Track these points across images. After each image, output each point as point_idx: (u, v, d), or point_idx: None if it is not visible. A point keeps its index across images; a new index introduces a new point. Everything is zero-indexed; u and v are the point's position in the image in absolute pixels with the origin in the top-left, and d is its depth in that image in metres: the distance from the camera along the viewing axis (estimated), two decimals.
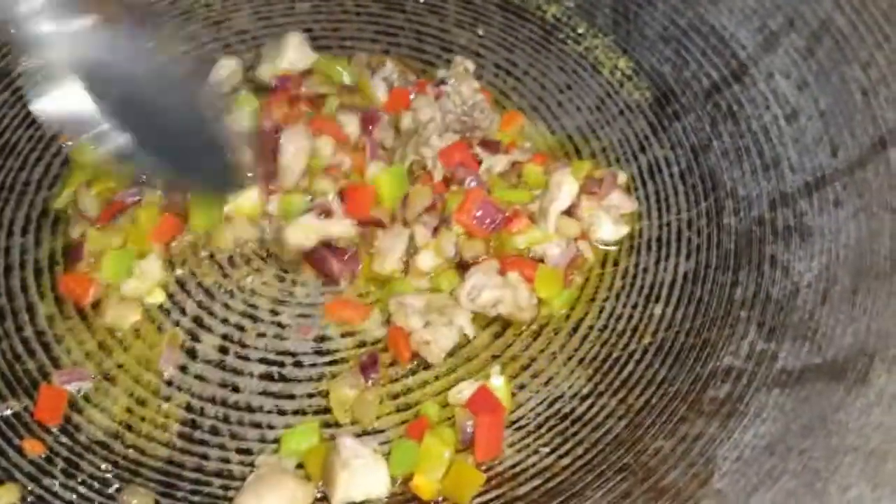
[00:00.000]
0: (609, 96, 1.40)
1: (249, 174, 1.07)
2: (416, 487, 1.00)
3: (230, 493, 1.01)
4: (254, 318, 1.16)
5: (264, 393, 1.10)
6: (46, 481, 1.00)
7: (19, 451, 1.02)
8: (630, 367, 1.11)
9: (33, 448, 1.02)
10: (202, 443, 1.06)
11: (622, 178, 1.29)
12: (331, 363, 1.13)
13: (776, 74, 1.28)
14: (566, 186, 1.23)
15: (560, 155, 1.34)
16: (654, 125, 1.35)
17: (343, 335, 1.15)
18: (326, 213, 1.19)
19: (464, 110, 1.32)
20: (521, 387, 1.11)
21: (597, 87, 1.41)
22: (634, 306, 1.17)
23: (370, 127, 1.29)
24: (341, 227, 1.20)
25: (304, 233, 1.18)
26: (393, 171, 1.24)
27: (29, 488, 0.99)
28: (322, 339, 1.14)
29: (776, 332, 1.07)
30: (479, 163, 1.27)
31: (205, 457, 1.05)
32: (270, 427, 1.07)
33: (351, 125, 1.29)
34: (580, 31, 1.45)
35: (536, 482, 1.01)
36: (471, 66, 1.37)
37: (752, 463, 0.93)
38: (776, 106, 1.27)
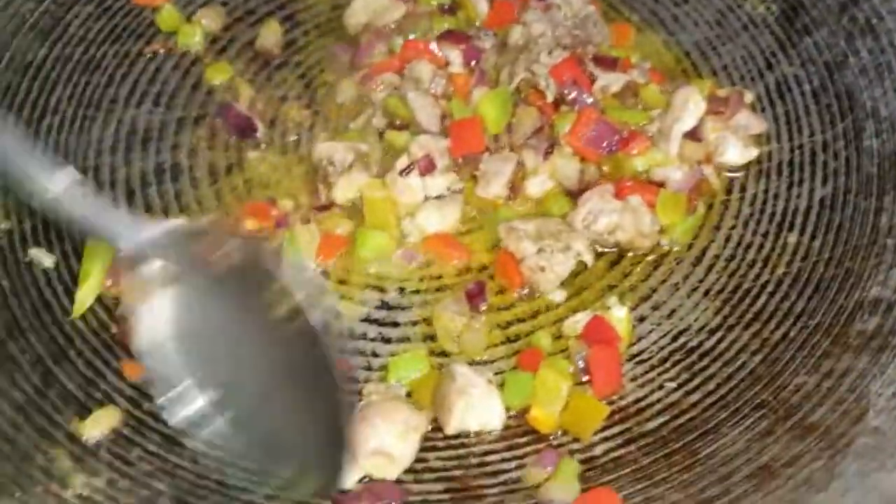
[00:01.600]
0: (731, 10, 1.29)
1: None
2: (533, 420, 0.93)
3: None
4: None
5: (367, 320, 1.03)
6: (147, 405, 0.94)
7: (118, 373, 0.97)
8: (763, 299, 1.02)
9: (132, 371, 0.96)
10: None
11: (749, 97, 1.19)
12: (436, 290, 1.05)
13: None
14: (692, 105, 1.14)
15: (677, 73, 1.23)
16: (781, 41, 1.24)
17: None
18: (427, 167, 1.10)
19: (574, 23, 1.22)
20: (642, 319, 1.03)
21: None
22: (765, 235, 1.08)
23: (474, 60, 1.20)
24: (444, 183, 1.12)
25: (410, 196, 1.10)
26: (498, 93, 1.15)
27: (130, 412, 0.93)
28: (427, 264, 1.07)
29: None
30: (593, 81, 1.17)
31: None
32: (375, 355, 1.00)
33: (453, 56, 1.20)
34: None
35: (664, 418, 0.93)
36: None
37: None
38: None
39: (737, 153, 1.14)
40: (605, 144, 1.12)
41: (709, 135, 1.14)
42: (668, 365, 0.98)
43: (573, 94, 1.14)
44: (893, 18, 1.18)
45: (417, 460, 0.91)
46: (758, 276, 1.04)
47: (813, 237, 1.06)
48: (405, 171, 1.08)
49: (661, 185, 1.11)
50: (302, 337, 0.74)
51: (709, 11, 1.29)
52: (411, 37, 1.22)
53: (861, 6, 1.20)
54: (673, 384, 0.97)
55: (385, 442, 0.87)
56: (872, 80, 1.15)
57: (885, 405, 0.86)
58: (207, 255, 0.80)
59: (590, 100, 1.13)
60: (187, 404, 0.82)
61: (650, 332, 1.01)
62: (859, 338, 0.94)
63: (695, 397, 0.95)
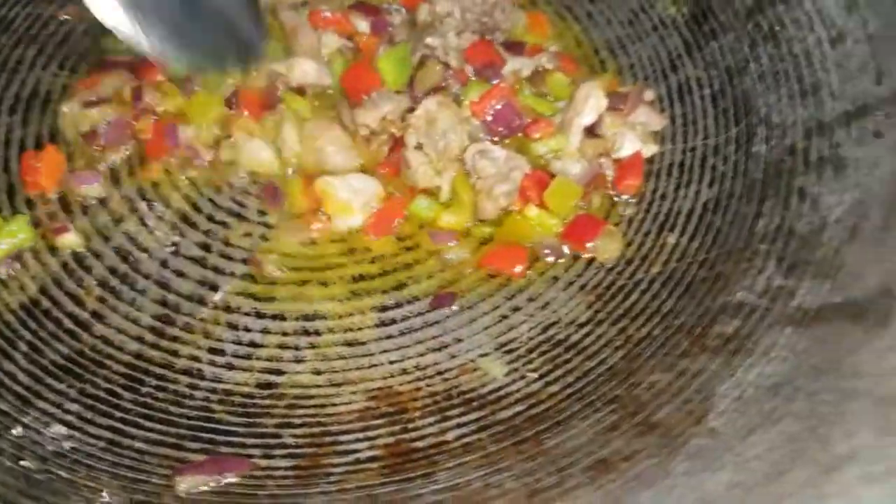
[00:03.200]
0: (643, 10, 1.30)
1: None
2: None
3: (196, 393, 0.96)
4: (241, 217, 1.10)
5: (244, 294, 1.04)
6: (7, 365, 0.95)
7: None
8: (634, 296, 1.03)
9: None
10: (174, 339, 1.00)
11: (649, 95, 1.20)
12: (316, 269, 1.06)
13: None
14: (593, 100, 1.15)
15: (584, 69, 1.24)
16: (688, 43, 1.25)
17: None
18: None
19: (483, 10, 1.22)
20: (516, 309, 1.03)
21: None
22: (647, 234, 1.09)
23: (382, 27, 1.22)
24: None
25: None
26: (397, 49, 1.17)
27: None
28: (312, 242, 1.08)
29: (797, 269, 0.98)
30: (503, 65, 1.18)
31: (175, 353, 0.99)
32: (247, 330, 1.01)
33: (361, 26, 1.22)
34: None
35: (520, 407, 0.95)
36: None
37: (753, 403, 0.86)
38: (821, 28, 1.16)
39: (634, 149, 1.15)
40: (505, 123, 1.13)
41: (607, 130, 1.15)
42: (533, 356, 0.99)
43: (487, 73, 1.16)
44: (795, 26, 1.18)
45: (271, 436, 0.92)
46: (633, 274, 1.05)
47: (692, 239, 1.07)
48: None
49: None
50: None
51: (622, 11, 1.30)
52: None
53: (766, 13, 1.21)
54: (535, 375, 0.98)
55: None
56: (769, 86, 1.16)
57: (726, 407, 0.87)
58: None
59: (501, 83, 1.14)
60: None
61: (522, 322, 1.02)
62: (717, 339, 0.95)
63: (553, 388, 0.96)
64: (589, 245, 1.07)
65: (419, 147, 1.09)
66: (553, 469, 0.87)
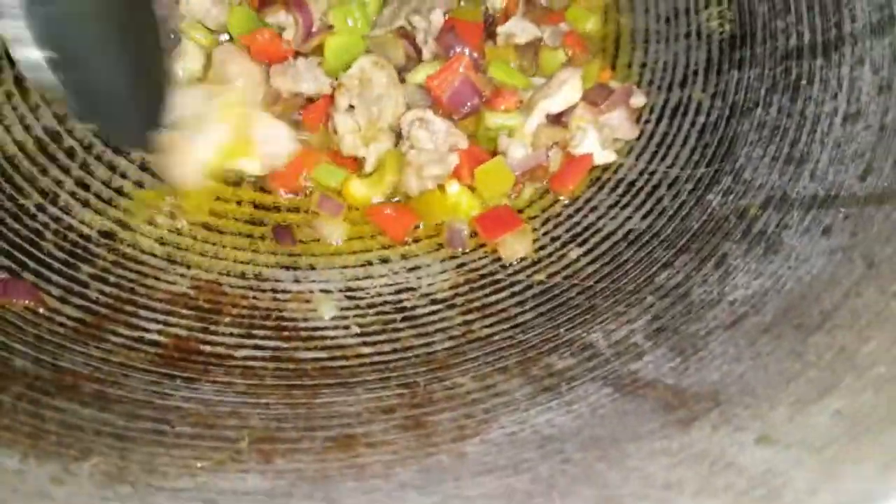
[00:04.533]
0: (687, 12, 1.18)
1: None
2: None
3: (39, 215, 0.96)
4: None
5: None
6: None
7: None
8: (501, 295, 0.97)
9: None
10: (52, 158, 1.00)
11: (638, 100, 1.10)
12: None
13: (866, 64, 1.02)
14: (567, 87, 1.06)
15: (595, 49, 1.14)
16: (711, 62, 1.13)
17: None
18: None
19: None
20: (384, 261, 0.98)
21: None
22: (555, 239, 1.01)
23: None
24: None
25: None
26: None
27: None
28: None
29: (662, 334, 0.89)
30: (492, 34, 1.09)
31: (44, 171, 0.99)
32: (123, 176, 1.00)
33: None
34: None
35: (321, 354, 0.92)
36: None
37: (519, 446, 0.79)
38: (844, 99, 1.02)
39: (591, 151, 1.06)
40: (464, 103, 1.05)
41: (573, 122, 1.06)
42: (369, 311, 0.96)
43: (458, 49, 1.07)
44: (821, 87, 1.05)
45: (80, 283, 0.92)
46: (516, 272, 0.98)
47: (593, 262, 0.99)
48: None
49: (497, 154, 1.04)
50: None
51: (667, 3, 1.18)
52: None
53: (802, 61, 1.08)
54: (357, 329, 0.94)
55: None
56: (762, 139, 1.04)
57: (495, 437, 0.81)
58: None
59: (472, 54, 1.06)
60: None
61: (381, 276, 0.99)
62: (542, 370, 0.88)
63: (365, 350, 0.92)
64: (497, 239, 1.00)
65: (351, 109, 1.01)
66: (301, 425, 0.83)
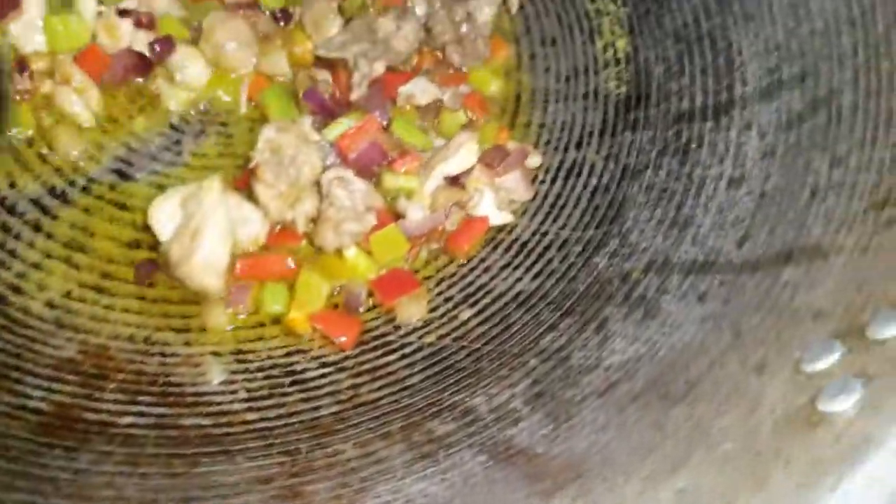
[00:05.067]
0: (586, 72, 1.20)
1: None
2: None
3: None
4: None
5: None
6: None
7: None
8: (391, 357, 0.99)
9: None
10: None
11: (534, 161, 1.12)
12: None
13: (754, 128, 1.06)
14: (464, 151, 1.08)
15: (495, 109, 1.17)
16: (606, 124, 1.16)
17: None
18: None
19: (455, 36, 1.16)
20: (277, 321, 0.99)
21: (580, 56, 1.22)
22: (448, 299, 1.03)
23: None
24: None
25: None
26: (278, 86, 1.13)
27: None
28: None
29: (539, 399, 0.91)
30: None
31: None
32: (17, 237, 1.00)
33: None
34: None
35: (205, 421, 0.92)
36: None
37: None
38: (730, 163, 1.05)
39: (487, 213, 1.08)
40: (370, 164, 1.07)
41: (469, 184, 1.08)
42: (258, 375, 0.97)
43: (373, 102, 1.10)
44: (709, 151, 1.08)
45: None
46: (407, 334, 1.00)
47: (482, 323, 1.01)
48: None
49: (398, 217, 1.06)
50: None
51: (568, 63, 1.22)
52: None
53: (693, 125, 1.11)
54: (246, 394, 0.95)
55: None
56: (649, 201, 1.07)
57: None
58: None
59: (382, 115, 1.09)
60: None
61: (274, 337, 0.99)
62: (423, 436, 0.90)
63: (251, 416, 0.93)
64: (394, 302, 1.01)
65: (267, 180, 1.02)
66: (177, 496, 0.84)
